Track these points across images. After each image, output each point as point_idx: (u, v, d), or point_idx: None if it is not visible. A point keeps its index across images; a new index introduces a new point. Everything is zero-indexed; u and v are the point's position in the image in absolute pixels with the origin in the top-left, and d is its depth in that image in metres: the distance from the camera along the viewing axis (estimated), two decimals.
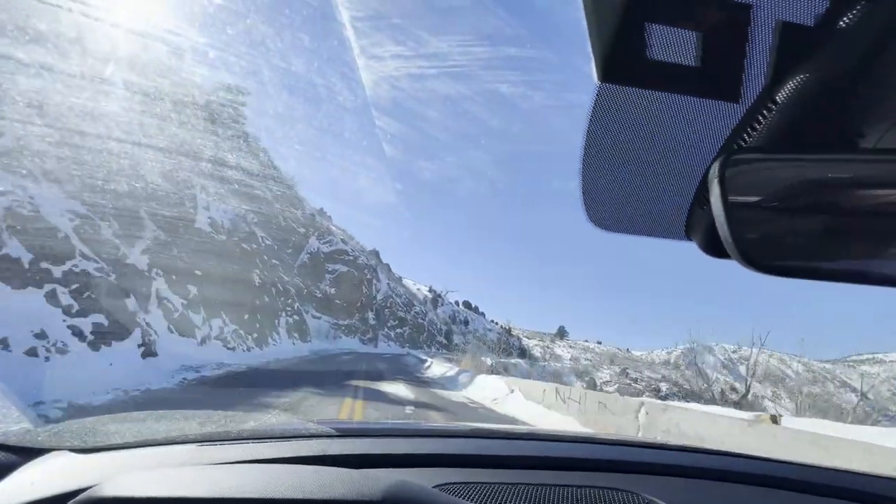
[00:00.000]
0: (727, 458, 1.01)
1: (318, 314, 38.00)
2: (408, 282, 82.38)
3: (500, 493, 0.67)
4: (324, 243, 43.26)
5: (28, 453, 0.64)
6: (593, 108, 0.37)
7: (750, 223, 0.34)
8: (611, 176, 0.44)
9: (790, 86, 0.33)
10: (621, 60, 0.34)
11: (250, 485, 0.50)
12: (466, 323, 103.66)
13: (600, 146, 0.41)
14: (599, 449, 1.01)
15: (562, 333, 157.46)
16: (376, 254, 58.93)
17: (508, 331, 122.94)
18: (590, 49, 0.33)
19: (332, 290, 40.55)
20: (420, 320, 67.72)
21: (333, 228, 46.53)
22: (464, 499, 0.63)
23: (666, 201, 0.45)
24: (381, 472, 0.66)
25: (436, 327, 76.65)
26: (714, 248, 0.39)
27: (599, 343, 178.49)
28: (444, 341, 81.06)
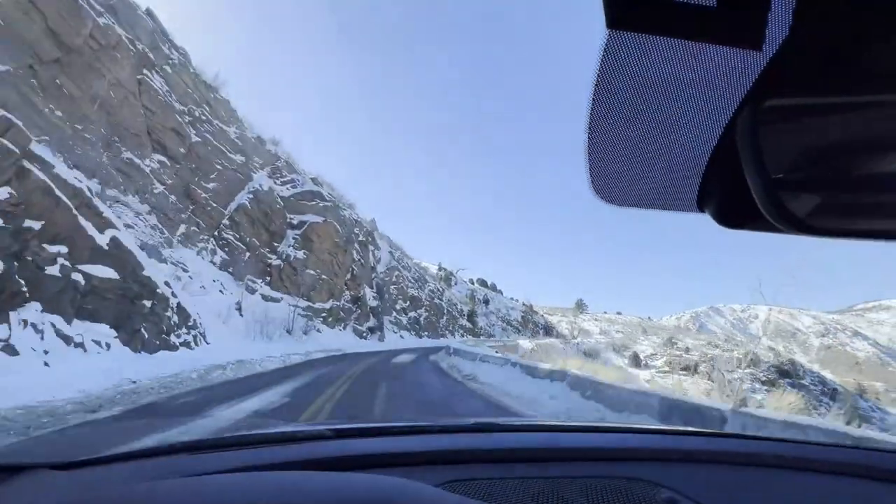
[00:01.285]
0: (737, 440, 0.99)
1: (275, 294, 21.76)
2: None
3: (508, 488, 0.66)
4: (282, 182, 26.67)
5: (1, 471, 0.59)
6: (602, 59, 0.33)
7: (788, 178, 0.31)
8: (621, 141, 0.40)
9: (817, 29, 0.29)
10: (633, 2, 0.30)
11: (236, 495, 0.47)
12: (487, 302, 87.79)
13: (610, 107, 0.37)
14: (607, 437, 0.97)
15: (581, 307, 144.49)
16: (373, 223, 42.22)
17: (531, 308, 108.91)
18: None
19: (301, 255, 24.11)
20: (437, 300, 51.74)
21: (298, 166, 29.85)
22: (470, 495, 0.62)
23: (677, 171, 0.41)
24: (381, 474, 0.64)
25: (456, 308, 61.00)
26: (732, 218, 0.35)
27: (619, 314, 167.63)
28: (468, 324, 66.07)
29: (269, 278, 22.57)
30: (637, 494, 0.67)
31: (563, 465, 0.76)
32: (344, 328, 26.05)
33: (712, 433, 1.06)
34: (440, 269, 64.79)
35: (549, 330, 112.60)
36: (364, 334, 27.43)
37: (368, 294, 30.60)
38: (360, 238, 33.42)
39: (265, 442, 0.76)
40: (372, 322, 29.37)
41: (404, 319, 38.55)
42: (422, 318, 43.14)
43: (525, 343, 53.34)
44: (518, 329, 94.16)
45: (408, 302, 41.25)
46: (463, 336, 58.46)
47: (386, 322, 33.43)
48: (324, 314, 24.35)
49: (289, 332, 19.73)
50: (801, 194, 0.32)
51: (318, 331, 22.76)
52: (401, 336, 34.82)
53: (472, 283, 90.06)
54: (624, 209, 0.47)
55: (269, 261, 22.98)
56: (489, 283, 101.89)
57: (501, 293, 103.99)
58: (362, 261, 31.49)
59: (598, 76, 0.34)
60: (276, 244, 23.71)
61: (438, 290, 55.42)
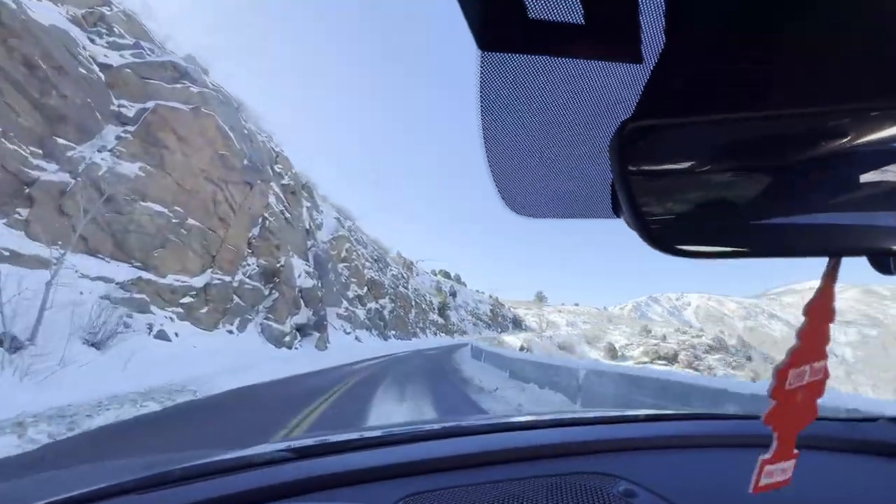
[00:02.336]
0: (699, 421, 1.02)
1: (40, 250, 8.32)
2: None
3: (469, 495, 0.65)
4: (109, 44, 12.79)
5: None
6: (481, 80, 0.32)
7: (658, 199, 0.31)
8: (520, 155, 0.39)
9: (693, 42, 0.29)
10: (499, 23, 0.29)
11: None
12: (454, 295, 76.44)
13: (499, 124, 0.36)
14: (575, 431, 0.96)
15: (541, 299, 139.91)
16: (311, 185, 28.66)
17: (498, 302, 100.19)
18: (461, 11, 0.28)
19: (136, 168, 10.69)
20: (402, 288, 39.27)
21: (160, 40, 15.92)
22: None
23: (584, 179, 0.41)
24: (337, 496, 0.64)
25: (425, 300, 49.02)
26: (631, 226, 0.34)
27: (577, 305, 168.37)
28: (440, 320, 54.34)
29: (23, 214, 9.06)
30: (595, 489, 0.67)
31: (525, 466, 0.76)
32: (241, 327, 12.95)
33: (671, 416, 1.08)
34: (399, 255, 52.41)
35: (517, 323, 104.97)
36: (287, 339, 14.39)
37: (297, 268, 17.52)
38: (286, 181, 20.20)
39: (215, 473, 0.70)
40: (305, 316, 16.39)
41: (361, 313, 25.71)
42: (386, 312, 30.49)
43: (511, 339, 44.26)
44: (488, 324, 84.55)
45: (365, 288, 28.44)
46: (436, 334, 46.94)
47: (331, 316, 20.58)
48: (187, 299, 11.20)
49: (95, 343, 6.77)
50: (671, 215, 0.31)
51: (166, 336, 9.71)
52: (356, 338, 22.14)
53: (436, 275, 78.20)
54: (541, 220, 0.46)
55: (37, 175, 9.41)
56: (453, 275, 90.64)
57: (465, 285, 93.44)
58: (287, 214, 18.30)
59: (481, 96, 0.34)
60: (64, 139, 10.13)
61: (403, 276, 42.95)
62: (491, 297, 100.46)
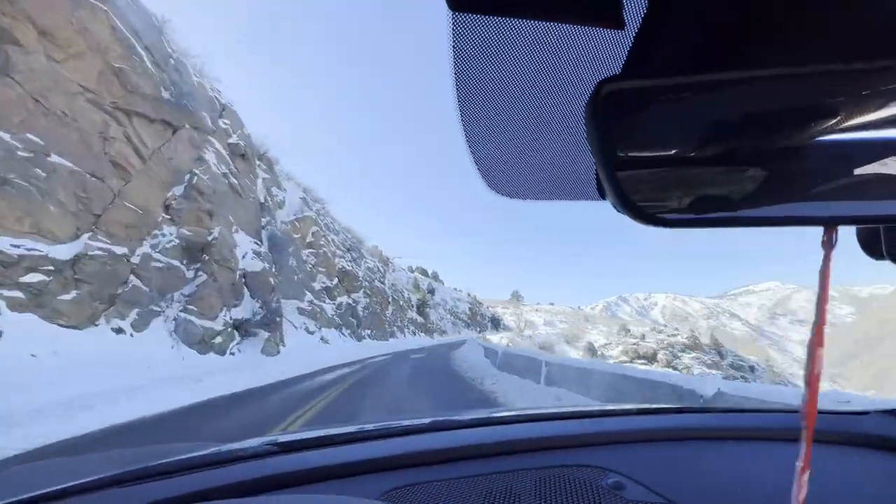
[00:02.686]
0: (687, 415, 1.02)
1: None
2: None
3: (456, 488, 0.65)
4: None
5: None
6: (454, 45, 0.30)
7: (637, 170, 0.30)
8: (499, 130, 0.37)
9: (677, 3, 0.28)
10: None
11: None
12: (432, 292, 72.99)
13: (475, 92, 0.34)
14: (558, 425, 0.95)
15: (517, 297, 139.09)
16: (267, 154, 24.20)
17: (476, 300, 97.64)
18: None
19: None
20: (379, 282, 35.28)
21: None
22: (416, 500, 0.61)
23: (567, 157, 0.38)
24: (323, 489, 0.64)
25: (403, 297, 45.09)
26: (610, 200, 0.32)
27: (552, 304, 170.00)
28: (419, 318, 50.49)
29: None
30: (585, 481, 0.68)
31: (513, 459, 0.76)
32: (141, 324, 8.73)
33: (658, 409, 1.08)
34: (376, 249, 48.30)
35: (496, 323, 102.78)
36: (218, 341, 10.29)
37: (242, 246, 13.34)
38: (234, 140, 15.86)
39: (202, 466, 0.71)
40: (249, 309, 12.28)
41: (329, 308, 21.60)
42: (360, 308, 26.44)
43: (495, 339, 41.51)
44: (467, 323, 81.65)
45: (336, 279, 24.30)
46: (415, 333, 43.10)
47: (289, 311, 16.40)
48: (35, 276, 6.97)
49: None
50: (653, 185, 0.30)
51: None
52: (322, 339, 18.06)
53: (412, 271, 74.52)
54: (527, 202, 0.44)
55: None
56: (430, 272, 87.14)
57: (443, 283, 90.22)
58: (233, 179, 14.04)
59: (455, 63, 0.31)
60: None
61: (379, 270, 38.91)
62: (469, 295, 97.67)
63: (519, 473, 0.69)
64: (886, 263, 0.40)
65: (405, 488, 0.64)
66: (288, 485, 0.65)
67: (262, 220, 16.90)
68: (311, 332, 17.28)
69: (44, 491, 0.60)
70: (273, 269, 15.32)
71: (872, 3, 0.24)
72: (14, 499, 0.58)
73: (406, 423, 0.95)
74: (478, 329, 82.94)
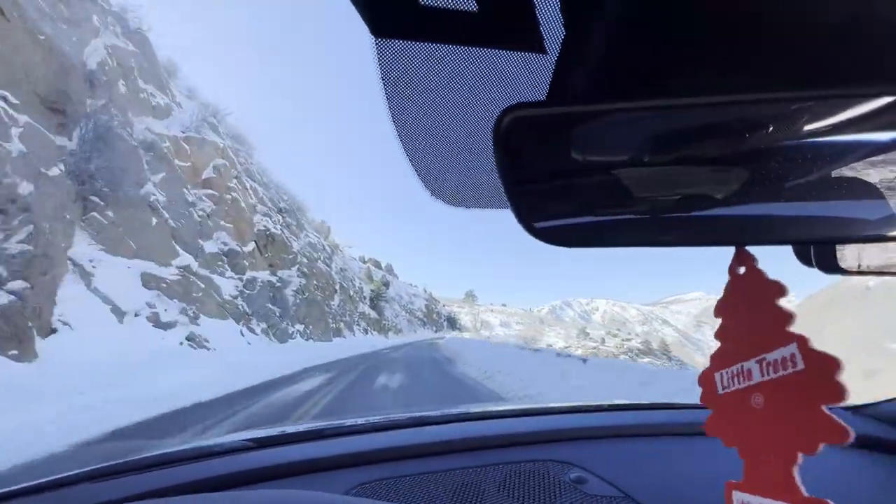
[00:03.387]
0: (654, 411, 1.05)
1: None
2: None
3: (425, 483, 0.66)
4: None
5: None
6: (380, 68, 0.31)
7: (535, 189, 0.30)
8: (432, 143, 0.38)
9: (586, 30, 0.28)
10: (390, 10, 0.28)
11: None
12: (387, 285, 64.68)
13: (407, 111, 0.35)
14: (534, 421, 0.98)
15: (471, 297, 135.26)
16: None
17: (433, 298, 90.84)
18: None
19: None
20: (324, 265, 26.87)
21: None
22: (384, 495, 0.62)
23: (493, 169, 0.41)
24: (295, 483, 0.65)
25: (354, 286, 36.73)
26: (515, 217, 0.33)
27: (504, 305, 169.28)
28: (372, 313, 42.25)
29: None
30: (548, 476, 0.69)
31: (481, 455, 0.77)
32: None
33: (626, 406, 1.11)
34: (323, 225, 39.35)
35: (452, 322, 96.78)
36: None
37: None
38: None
39: (180, 460, 0.72)
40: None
41: (228, 285, 13.16)
42: (290, 291, 18.01)
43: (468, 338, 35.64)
44: (423, 321, 74.48)
45: (251, 243, 15.85)
46: (367, 331, 34.97)
47: (110, 278, 7.94)
48: None
49: None
50: (550, 205, 0.31)
51: None
52: (191, 340, 9.70)
53: (365, 262, 65.74)
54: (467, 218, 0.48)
55: None
56: (384, 265, 78.65)
57: (398, 277, 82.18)
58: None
59: (383, 83, 0.32)
60: None
61: (325, 249, 30.37)
62: (426, 291, 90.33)
63: (486, 469, 0.71)
64: (814, 271, 0.47)
65: (374, 483, 0.65)
66: (261, 480, 0.66)
67: (76, 87, 8.36)
68: (170, 328, 8.74)
69: (19, 486, 0.62)
70: (72, 179, 6.93)
71: (779, 32, 0.26)
72: (2, 490, 0.60)
73: (377, 419, 0.98)
74: (434, 328, 75.96)
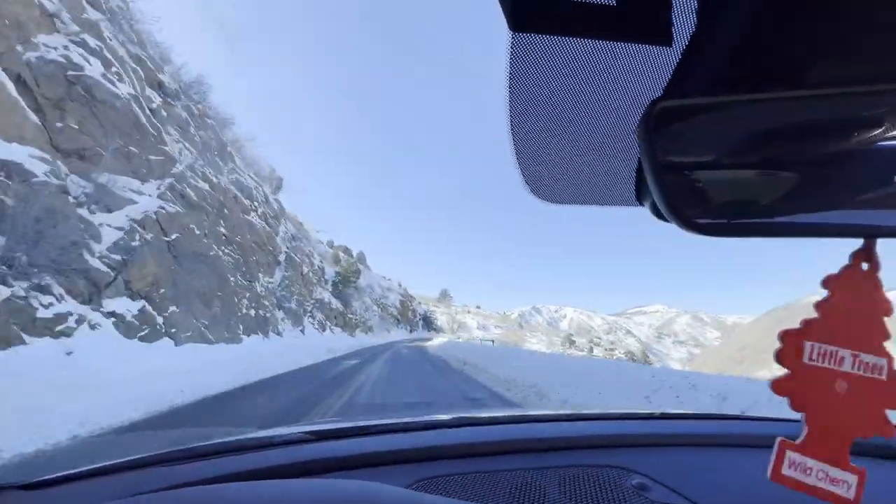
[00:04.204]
0: (710, 421, 1.05)
1: None
2: None
3: (483, 482, 0.66)
4: None
5: None
6: (511, 63, 0.32)
7: (685, 180, 0.31)
8: (546, 139, 0.39)
9: (724, 20, 0.29)
10: (532, 4, 0.29)
11: None
12: (358, 273, 54.38)
13: (527, 107, 0.36)
14: (583, 426, 0.98)
15: (445, 296, 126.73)
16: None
17: (409, 294, 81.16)
18: None
19: None
20: (268, 222, 16.75)
21: None
22: (445, 491, 0.63)
23: (610, 164, 0.41)
24: (355, 476, 0.67)
25: (312, 265, 26.74)
26: (662, 215, 0.34)
27: (479, 307, 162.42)
28: (337, 304, 32.11)
29: None
30: (609, 481, 0.69)
31: (538, 457, 0.78)
32: None
33: (685, 415, 1.11)
34: (273, 173, 29.04)
35: (428, 322, 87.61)
36: None
37: None
38: None
39: (239, 449, 0.76)
40: None
41: None
42: (139, 240, 8.18)
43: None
44: (397, 319, 64.72)
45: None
46: (326, 327, 24.97)
47: None
48: None
49: None
50: (698, 195, 0.32)
51: None
52: None
53: (331, 248, 55.26)
54: (564, 207, 0.45)
55: None
56: (355, 253, 68.18)
57: (370, 269, 72.04)
58: None
59: (510, 79, 0.33)
60: None
61: (273, 202, 20.33)
62: (401, 286, 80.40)
63: (544, 471, 0.71)
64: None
65: (434, 479, 0.66)
66: (321, 471, 0.68)
67: None
68: None
69: (90, 467, 0.65)
70: None
71: None
72: (77, 470, 0.64)
73: (431, 417, 1.01)
74: (409, 328, 66.22)
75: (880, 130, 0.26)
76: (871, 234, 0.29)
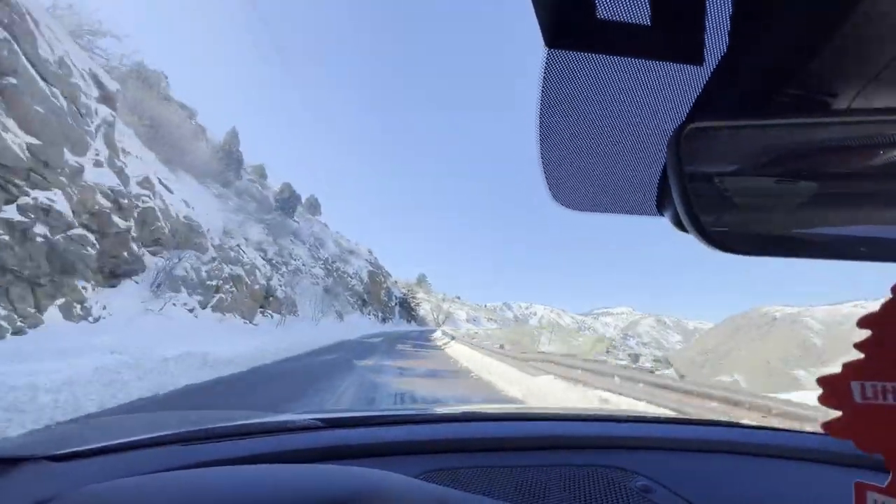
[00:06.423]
0: (712, 427, 1.03)
1: None
2: None
3: (490, 476, 0.68)
4: None
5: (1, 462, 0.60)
6: (544, 76, 0.33)
7: (710, 197, 0.31)
8: (573, 150, 0.41)
9: (755, 44, 0.29)
10: (569, 22, 0.30)
11: (218, 489, 0.46)
12: (293, 203, 23.43)
13: (557, 120, 0.37)
14: (589, 426, 0.99)
15: (423, 282, 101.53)
16: None
17: (380, 266, 52.62)
18: (533, 10, 0.29)
19: None
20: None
21: None
22: (452, 483, 0.64)
23: (634, 175, 0.42)
24: (365, 464, 0.67)
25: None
26: (683, 226, 0.34)
27: (458, 298, 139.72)
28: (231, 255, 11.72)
29: None
30: (613, 482, 0.69)
31: (544, 454, 0.78)
32: None
33: (689, 420, 1.10)
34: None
35: (407, 308, 60.48)
36: None
37: None
38: None
39: (256, 433, 0.77)
40: None
41: None
42: None
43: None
44: (363, 300, 36.92)
45: None
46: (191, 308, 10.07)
47: None
48: None
49: None
50: (722, 213, 0.32)
51: None
52: None
53: (249, 173, 24.59)
54: (584, 213, 0.48)
55: None
56: (304, 198, 39.39)
57: (321, 215, 43.41)
58: None
59: (543, 92, 0.34)
60: None
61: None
62: (371, 253, 51.47)
63: (550, 469, 0.71)
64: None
65: (442, 471, 0.67)
66: (332, 458, 0.68)
67: None
68: None
69: (115, 442, 0.66)
70: None
71: None
72: (88, 447, 0.63)
73: (441, 411, 1.03)
74: (380, 315, 38.36)
75: None
76: (891, 259, 0.28)
